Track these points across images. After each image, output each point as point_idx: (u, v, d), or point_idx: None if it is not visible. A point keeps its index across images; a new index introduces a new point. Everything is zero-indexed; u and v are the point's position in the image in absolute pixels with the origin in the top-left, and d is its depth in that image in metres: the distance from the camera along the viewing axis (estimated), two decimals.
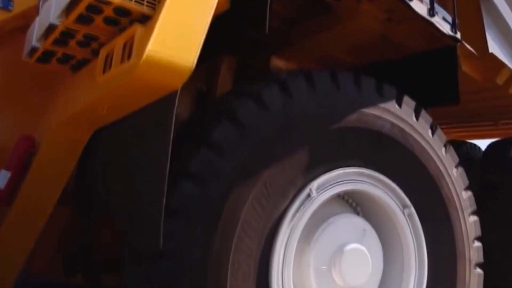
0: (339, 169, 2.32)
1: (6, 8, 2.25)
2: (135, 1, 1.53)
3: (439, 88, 3.34)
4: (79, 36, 1.83)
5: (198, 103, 2.73)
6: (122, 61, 1.60)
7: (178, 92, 1.61)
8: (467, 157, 5.22)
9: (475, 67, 4.19)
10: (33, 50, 2.07)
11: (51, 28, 1.77)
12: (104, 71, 1.73)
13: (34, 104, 2.39)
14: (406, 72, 3.51)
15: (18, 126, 2.36)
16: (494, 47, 4.08)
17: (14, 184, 2.16)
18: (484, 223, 3.07)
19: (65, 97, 2.19)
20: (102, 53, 1.78)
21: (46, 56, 2.11)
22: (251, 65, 2.97)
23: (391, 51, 3.44)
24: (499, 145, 4.88)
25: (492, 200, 4.28)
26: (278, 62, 3.42)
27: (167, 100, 1.63)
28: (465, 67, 3.71)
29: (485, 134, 5.67)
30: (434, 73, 3.36)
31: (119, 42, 1.65)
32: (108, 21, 1.63)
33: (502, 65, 4.16)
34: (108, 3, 1.51)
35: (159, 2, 1.59)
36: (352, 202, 2.61)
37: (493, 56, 3.97)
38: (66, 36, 1.81)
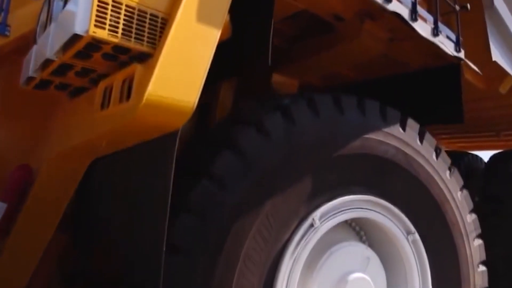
0: (343, 196, 2.28)
1: (2, 33, 2.20)
2: (135, 40, 1.48)
3: (443, 106, 3.29)
4: (77, 68, 1.78)
5: (198, 121, 2.68)
6: (121, 100, 1.55)
7: (179, 132, 1.56)
8: (469, 168, 5.19)
9: (478, 75, 4.14)
10: (30, 79, 2.02)
11: (48, 62, 1.72)
12: (102, 107, 1.68)
13: (30, 129, 2.34)
14: (410, 88, 3.47)
15: (13, 153, 2.31)
16: (497, 55, 4.04)
17: (10, 216, 2.11)
18: (486, 239, 3.04)
19: (63, 126, 2.14)
20: (101, 86, 1.73)
21: (44, 84, 2.06)
22: (252, 82, 2.92)
23: (395, 67, 3.40)
24: (501, 157, 4.84)
25: (495, 215, 4.24)
26: (279, 79, 3.37)
27: (168, 138, 1.58)
28: (467, 75, 3.67)
29: (487, 145, 5.63)
30: (438, 90, 3.32)
31: (118, 79, 1.60)
32: (107, 57, 1.58)
33: (505, 74, 4.12)
34: (107, 43, 1.46)
35: (159, 40, 1.54)
36: (356, 226, 2.57)
37: (496, 65, 3.94)
38: (63, 68, 1.76)
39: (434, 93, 3.35)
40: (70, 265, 2.83)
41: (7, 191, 2.10)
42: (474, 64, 3.82)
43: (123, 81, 1.58)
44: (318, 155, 2.21)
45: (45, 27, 2.08)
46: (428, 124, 3.31)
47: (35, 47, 1.97)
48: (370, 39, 2.81)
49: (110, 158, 2.04)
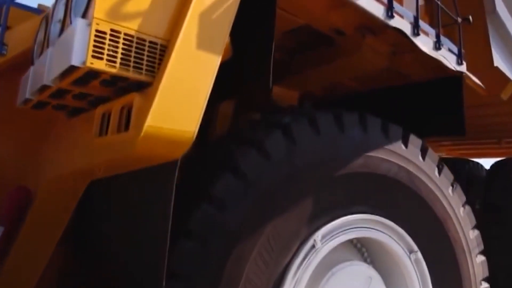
0: (344, 216, 2.25)
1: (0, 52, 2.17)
2: (134, 69, 1.45)
3: (444, 118, 3.26)
4: (75, 92, 1.75)
5: (197, 138, 2.65)
6: (119, 129, 1.51)
7: (179, 161, 1.53)
8: (470, 176, 5.15)
9: (480, 81, 4.11)
10: (27, 100, 1.99)
11: (45, 87, 1.69)
12: (100, 133, 1.65)
13: (28, 148, 2.31)
14: (412, 98, 3.44)
15: (10, 172, 2.28)
16: (499, 61, 4.02)
17: (8, 237, 2.08)
18: (487, 248, 3.01)
19: (61, 147, 2.10)
20: (99, 111, 1.70)
21: (41, 105, 2.03)
22: (252, 100, 2.89)
23: (396, 79, 3.36)
24: (503, 165, 4.81)
25: (496, 225, 4.22)
26: (279, 90, 3.33)
27: (168, 167, 1.55)
28: (468, 80, 3.65)
29: (488, 152, 5.60)
30: (440, 101, 3.29)
31: (116, 106, 1.57)
32: (105, 83, 1.55)
33: (507, 80, 4.10)
34: (105, 72, 1.43)
35: (158, 67, 1.50)
36: (357, 243, 2.54)
37: (497, 70, 3.91)
38: (61, 92, 1.73)
39: (435, 104, 3.32)
40: (71, 280, 2.80)
41: (5, 213, 2.07)
42: (476, 69, 3.80)
43: (122, 109, 1.55)
44: (319, 175, 2.18)
45: (42, 46, 2.05)
46: (429, 136, 3.28)
47: (32, 69, 1.94)
48: (371, 53, 2.78)
49: (109, 179, 2.01)
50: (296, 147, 2.13)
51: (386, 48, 2.83)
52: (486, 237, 3.23)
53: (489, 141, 5.41)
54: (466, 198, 2.91)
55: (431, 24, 3.12)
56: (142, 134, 1.36)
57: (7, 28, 2.51)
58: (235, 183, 1.96)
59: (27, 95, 1.91)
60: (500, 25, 4.18)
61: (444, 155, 6.15)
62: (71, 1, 1.65)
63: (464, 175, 5.25)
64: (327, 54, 2.94)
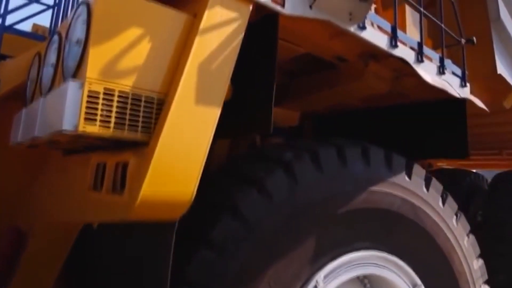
0: (346, 254, 2.19)
1: None
2: (129, 129, 1.38)
3: (447, 140, 3.20)
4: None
5: None
6: (114, 187, 1.44)
7: (176, 223, 1.47)
8: (472, 187, 5.10)
9: (483, 89, 4.06)
10: (20, 143, 1.92)
11: (36, 138, 1.62)
12: (95, 187, 1.58)
13: (19, 185, 2.23)
14: (415, 119, 3.37)
15: (1, 210, 2.21)
16: (502, 68, 3.95)
17: (2, 281, 2.01)
18: (490, 266, 2.96)
19: (54, 190, 2.03)
20: (93, 162, 1.63)
21: (35, 145, 1.96)
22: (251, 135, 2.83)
23: (399, 99, 3.29)
24: (505, 178, 4.75)
25: (499, 241, 4.16)
26: (279, 111, 3.27)
27: (165, 227, 1.49)
28: (472, 88, 3.58)
29: (490, 164, 5.54)
30: (443, 122, 3.22)
31: (111, 161, 1.50)
32: (99, 139, 1.48)
33: (509, 88, 4.04)
34: (99, 136, 1.35)
35: (155, 124, 1.43)
36: (362, 278, 2.48)
37: (501, 78, 3.85)
38: (53, 142, 1.65)
39: (438, 125, 3.26)
40: None
41: None
42: (479, 77, 3.74)
43: (116, 165, 1.47)
44: (321, 214, 2.12)
45: (35, 86, 1.98)
46: (431, 158, 3.21)
47: (24, 112, 1.86)
48: (374, 79, 2.71)
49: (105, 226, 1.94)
50: (298, 186, 2.07)
51: (389, 73, 2.75)
52: (489, 254, 3.18)
53: (490, 152, 5.34)
54: (467, 211, 2.86)
55: (434, 46, 3.06)
56: (138, 201, 1.30)
57: (4, 57, 2.45)
58: (235, 226, 1.90)
59: (19, 139, 1.84)
60: (504, 32, 4.12)
61: (444, 166, 6.09)
62: (63, 51, 1.58)
63: (465, 187, 5.20)
64: (328, 78, 2.86)
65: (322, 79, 2.91)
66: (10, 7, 2.83)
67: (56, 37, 1.76)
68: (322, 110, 3.68)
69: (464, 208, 5.06)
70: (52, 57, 1.72)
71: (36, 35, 2.95)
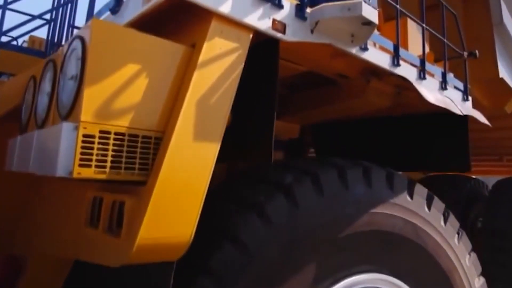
0: (348, 278, 2.15)
1: None
2: (125, 170, 1.33)
3: (449, 153, 3.15)
4: None
5: None
6: (110, 227, 1.40)
7: (175, 264, 1.42)
8: (472, 194, 5.05)
9: (484, 92, 4.02)
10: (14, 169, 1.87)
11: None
12: (91, 222, 1.53)
13: (14, 210, 2.19)
14: (416, 129, 3.32)
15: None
16: (504, 73, 3.92)
17: None
18: (491, 276, 2.93)
19: (51, 219, 1.98)
20: (89, 195, 1.58)
21: None
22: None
23: (400, 111, 3.24)
24: (505, 185, 4.71)
25: (500, 251, 4.13)
26: (280, 124, 3.22)
27: (164, 267, 1.45)
28: (474, 91, 3.54)
29: (490, 170, 5.49)
30: (445, 136, 3.17)
31: (107, 198, 1.45)
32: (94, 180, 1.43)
33: (511, 92, 4.01)
34: (95, 179, 1.31)
35: (152, 162, 1.38)
36: None
37: (503, 82, 3.81)
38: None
39: (440, 137, 3.21)
40: None
41: None
42: (481, 81, 3.69)
43: (113, 203, 1.43)
44: (321, 238, 2.07)
45: (30, 109, 1.93)
46: (433, 171, 3.17)
47: (19, 140, 1.81)
48: (375, 95, 2.66)
49: None
50: (299, 211, 2.02)
51: (390, 89, 2.71)
52: (490, 263, 3.13)
53: (491, 157, 5.30)
54: (467, 217, 2.82)
55: (436, 58, 3.01)
56: (135, 246, 1.25)
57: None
58: (235, 254, 1.86)
59: (14, 167, 1.80)
60: (506, 36, 4.08)
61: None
62: (58, 83, 1.52)
63: (465, 193, 5.15)
64: (329, 94, 2.81)
65: (322, 94, 2.86)
66: (7, 19, 2.77)
67: (51, 65, 1.71)
68: (321, 122, 3.63)
69: (464, 214, 5.03)
70: (47, 86, 1.67)
71: (33, 50, 2.89)
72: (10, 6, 2.77)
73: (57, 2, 2.97)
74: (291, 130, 3.37)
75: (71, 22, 2.79)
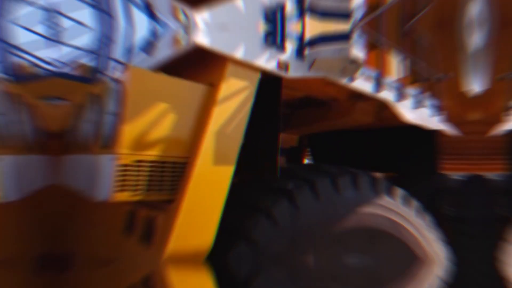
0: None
1: None
2: (157, 192, 1.37)
3: (421, 158, 3.19)
4: None
5: None
6: (142, 237, 1.43)
7: None
8: (441, 186, 5.01)
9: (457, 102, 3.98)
10: None
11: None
12: (127, 229, 1.57)
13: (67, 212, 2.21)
14: (395, 138, 3.34)
15: None
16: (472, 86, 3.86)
17: None
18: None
19: (92, 225, 1.99)
20: (125, 207, 1.62)
21: None
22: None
23: (382, 124, 3.26)
24: (473, 180, 4.66)
25: (461, 233, 4.11)
26: (282, 136, 3.25)
27: None
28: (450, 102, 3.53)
29: (460, 168, 5.41)
30: (418, 144, 3.20)
31: (141, 213, 1.49)
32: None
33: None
34: (129, 201, 1.34)
35: (179, 185, 1.42)
36: None
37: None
38: None
39: (414, 147, 3.25)
40: None
41: None
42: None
43: (145, 217, 1.47)
44: (318, 234, 2.12)
45: (76, 133, 1.96)
46: (404, 176, 3.20)
47: (67, 159, 1.85)
48: (360, 114, 2.70)
49: None
50: (300, 212, 2.07)
51: (373, 108, 2.74)
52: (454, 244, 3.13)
53: (461, 157, 5.24)
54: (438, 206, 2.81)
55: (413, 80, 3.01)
56: (164, 255, 1.29)
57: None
58: (247, 251, 1.90)
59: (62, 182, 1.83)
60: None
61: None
62: (101, 118, 1.56)
63: (439, 187, 5.11)
64: (322, 113, 2.86)
65: (317, 113, 2.90)
66: None
67: (95, 99, 1.75)
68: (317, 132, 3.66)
69: (436, 205, 4.99)
70: (91, 116, 1.71)
71: (83, 78, 2.90)
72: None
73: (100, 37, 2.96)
74: (291, 140, 3.40)
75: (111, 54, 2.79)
